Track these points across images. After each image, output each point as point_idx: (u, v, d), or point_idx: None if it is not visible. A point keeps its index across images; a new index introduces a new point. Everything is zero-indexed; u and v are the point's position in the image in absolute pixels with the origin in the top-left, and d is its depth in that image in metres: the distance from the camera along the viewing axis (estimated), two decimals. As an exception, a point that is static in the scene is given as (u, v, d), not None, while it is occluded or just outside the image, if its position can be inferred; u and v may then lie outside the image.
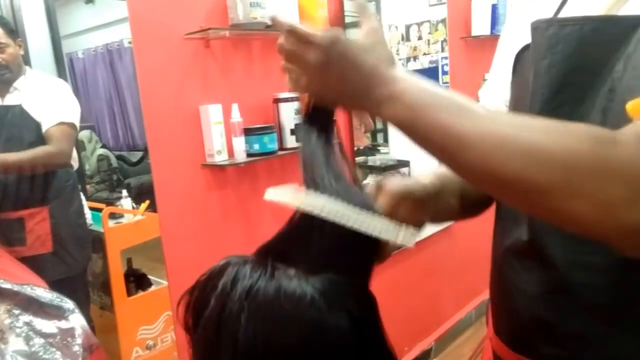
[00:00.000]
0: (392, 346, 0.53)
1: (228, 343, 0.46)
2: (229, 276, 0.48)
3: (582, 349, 0.58)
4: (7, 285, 1.41)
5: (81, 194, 1.89)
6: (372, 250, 0.54)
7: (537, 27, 0.59)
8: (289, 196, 0.52)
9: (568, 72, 0.56)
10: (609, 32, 0.53)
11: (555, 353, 0.60)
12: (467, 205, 0.71)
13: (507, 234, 0.66)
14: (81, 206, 1.87)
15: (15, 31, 1.75)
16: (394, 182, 0.61)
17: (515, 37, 0.68)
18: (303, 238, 0.52)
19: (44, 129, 1.67)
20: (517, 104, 0.66)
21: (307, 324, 0.45)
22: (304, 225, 0.51)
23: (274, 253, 0.52)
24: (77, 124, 1.76)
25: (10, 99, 1.72)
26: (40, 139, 1.70)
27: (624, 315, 0.55)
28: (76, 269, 1.81)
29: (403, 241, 0.54)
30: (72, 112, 1.75)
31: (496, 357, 0.72)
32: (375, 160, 2.30)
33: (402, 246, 0.55)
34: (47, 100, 1.73)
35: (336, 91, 0.51)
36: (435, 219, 0.66)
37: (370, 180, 0.58)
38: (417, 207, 0.60)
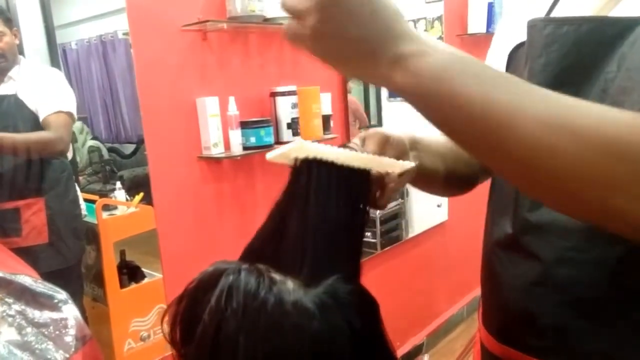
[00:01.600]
0: (393, 349, 0.52)
1: None
2: (222, 289, 0.44)
3: (562, 342, 0.58)
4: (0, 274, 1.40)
5: (76, 185, 1.88)
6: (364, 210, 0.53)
7: (534, 26, 0.59)
8: (290, 146, 0.50)
9: (562, 71, 0.56)
10: (605, 32, 0.53)
11: (538, 345, 0.61)
12: (449, 179, 0.73)
13: (495, 226, 0.67)
14: (77, 197, 1.86)
15: (11, 20, 1.73)
16: (375, 130, 0.62)
17: (509, 34, 0.69)
18: (294, 241, 0.50)
19: (41, 117, 1.65)
20: None
21: (309, 340, 0.43)
22: (294, 227, 0.50)
23: (265, 259, 0.49)
24: (75, 114, 1.75)
25: (4, 89, 1.70)
26: (36, 128, 1.68)
27: (603, 311, 0.55)
28: (71, 260, 1.80)
29: (405, 166, 0.56)
30: (69, 101, 1.74)
31: (484, 348, 0.73)
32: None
33: (403, 175, 0.58)
34: (44, 90, 1.71)
35: (338, 49, 0.42)
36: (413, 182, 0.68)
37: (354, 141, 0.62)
38: (400, 152, 0.61)
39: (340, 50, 0.42)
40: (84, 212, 1.88)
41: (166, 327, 0.49)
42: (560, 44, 0.56)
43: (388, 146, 0.60)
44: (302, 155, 0.49)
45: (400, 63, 0.40)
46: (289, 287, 0.45)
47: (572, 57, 0.55)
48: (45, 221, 1.70)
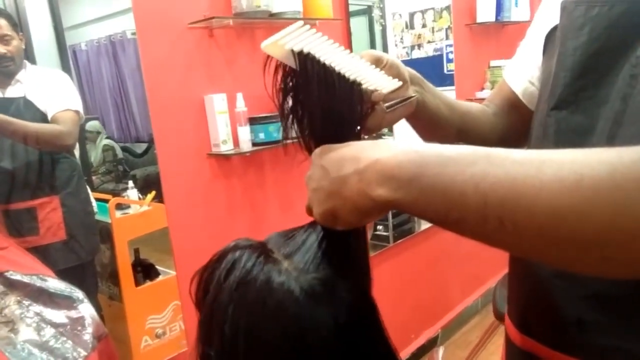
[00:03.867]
0: (394, 350, 0.52)
1: (217, 332, 0.46)
2: (226, 264, 0.48)
3: (582, 336, 0.57)
4: (17, 277, 1.42)
5: (85, 183, 1.92)
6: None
7: (565, 7, 0.58)
8: (286, 31, 0.48)
9: (592, 55, 0.54)
10: (639, 13, 0.51)
11: (557, 338, 0.60)
12: (463, 139, 0.71)
13: None
14: (88, 195, 1.89)
15: (17, 25, 1.76)
16: (369, 50, 0.60)
17: (546, 16, 0.67)
18: (308, 228, 0.51)
19: (50, 115, 1.68)
20: (544, 87, 0.65)
21: (289, 323, 0.45)
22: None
23: (280, 242, 0.51)
24: (82, 113, 1.78)
25: (12, 92, 1.73)
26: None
27: (625, 307, 0.54)
28: (86, 257, 1.83)
29: (394, 84, 0.55)
30: (76, 100, 1.76)
31: (507, 337, 0.72)
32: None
33: (399, 105, 0.57)
34: (51, 90, 1.74)
35: (327, 194, 0.45)
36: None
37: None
38: (395, 76, 0.59)
39: (327, 198, 0.44)
40: (95, 209, 1.92)
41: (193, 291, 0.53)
42: (591, 26, 0.54)
43: (381, 66, 0.59)
44: (297, 46, 0.47)
45: (374, 175, 0.40)
46: (282, 268, 0.47)
47: (603, 41, 0.53)
48: (62, 219, 1.73)
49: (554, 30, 0.63)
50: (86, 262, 1.82)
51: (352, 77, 0.50)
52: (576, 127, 0.55)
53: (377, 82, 0.54)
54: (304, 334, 0.45)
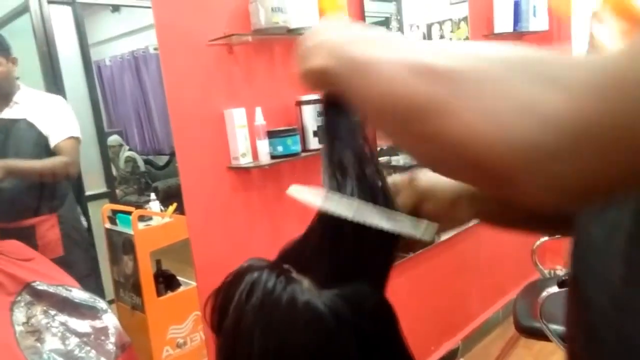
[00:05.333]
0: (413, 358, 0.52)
1: (244, 354, 0.47)
2: (245, 285, 0.48)
3: None
4: (43, 287, 1.47)
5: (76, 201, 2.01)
6: (389, 252, 0.53)
7: None
8: (309, 195, 0.51)
9: None
10: None
11: None
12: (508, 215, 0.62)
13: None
14: (78, 211, 1.95)
15: (7, 49, 1.77)
16: (423, 178, 0.59)
17: None
18: (322, 245, 0.51)
19: (52, 143, 1.73)
20: None
21: (318, 338, 0.45)
22: (324, 232, 0.51)
23: (294, 258, 0.52)
24: (81, 138, 1.83)
25: (12, 113, 1.76)
26: (47, 151, 1.75)
27: None
28: (84, 271, 1.87)
29: (423, 236, 0.52)
30: (75, 126, 1.81)
31: None
32: (398, 159, 2.29)
33: (425, 241, 0.54)
34: (52, 116, 1.78)
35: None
36: (479, 217, 0.63)
37: (395, 177, 0.57)
38: (444, 205, 0.58)
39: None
40: (84, 225, 1.99)
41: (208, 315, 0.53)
42: None
43: (429, 199, 0.58)
44: (317, 205, 0.50)
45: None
46: (304, 286, 0.47)
47: None
48: (60, 236, 1.77)
49: None
50: (85, 275, 1.85)
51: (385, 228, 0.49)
52: None
53: (406, 229, 0.52)
54: (332, 349, 0.46)
